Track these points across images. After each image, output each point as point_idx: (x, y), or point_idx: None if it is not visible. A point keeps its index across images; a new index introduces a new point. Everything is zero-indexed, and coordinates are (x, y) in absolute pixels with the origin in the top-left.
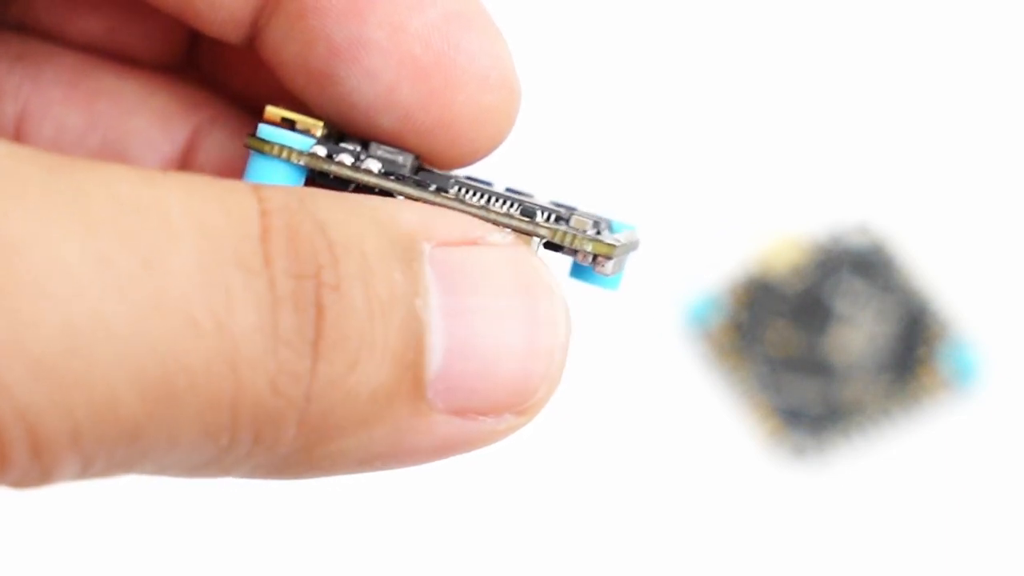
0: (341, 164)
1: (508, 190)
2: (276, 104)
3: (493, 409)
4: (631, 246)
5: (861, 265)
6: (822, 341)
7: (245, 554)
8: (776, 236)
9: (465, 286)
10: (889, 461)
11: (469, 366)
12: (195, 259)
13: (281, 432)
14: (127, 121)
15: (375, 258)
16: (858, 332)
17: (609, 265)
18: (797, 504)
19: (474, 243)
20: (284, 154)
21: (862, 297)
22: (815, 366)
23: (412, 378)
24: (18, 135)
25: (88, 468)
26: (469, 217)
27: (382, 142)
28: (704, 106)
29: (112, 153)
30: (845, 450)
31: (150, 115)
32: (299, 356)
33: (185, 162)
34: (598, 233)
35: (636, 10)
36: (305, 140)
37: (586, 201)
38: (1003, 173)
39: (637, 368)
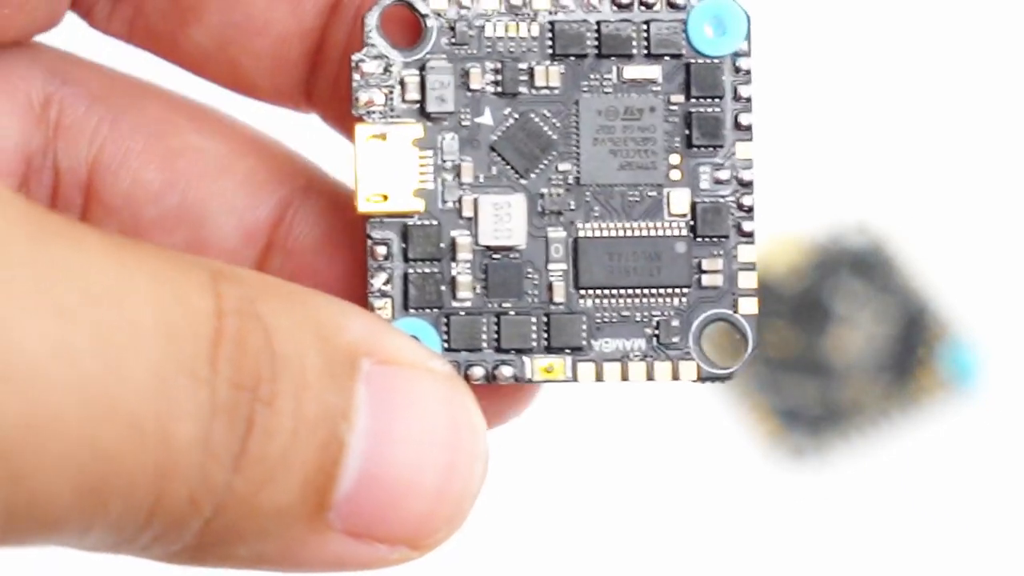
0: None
1: None
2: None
3: (390, 539)
4: None
5: (860, 265)
6: (821, 341)
7: None
8: (775, 236)
9: (395, 412)
10: (888, 462)
11: (379, 494)
12: (154, 365)
13: (183, 535)
14: (209, 184)
15: (312, 375)
16: (857, 332)
17: None
18: (796, 505)
19: (412, 366)
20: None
21: (861, 297)
22: (814, 367)
23: (317, 500)
24: (90, 181)
25: None
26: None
27: None
28: None
29: (190, 217)
30: (844, 451)
31: (235, 179)
32: (221, 470)
33: (273, 235)
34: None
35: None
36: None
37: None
38: (1002, 174)
39: None
